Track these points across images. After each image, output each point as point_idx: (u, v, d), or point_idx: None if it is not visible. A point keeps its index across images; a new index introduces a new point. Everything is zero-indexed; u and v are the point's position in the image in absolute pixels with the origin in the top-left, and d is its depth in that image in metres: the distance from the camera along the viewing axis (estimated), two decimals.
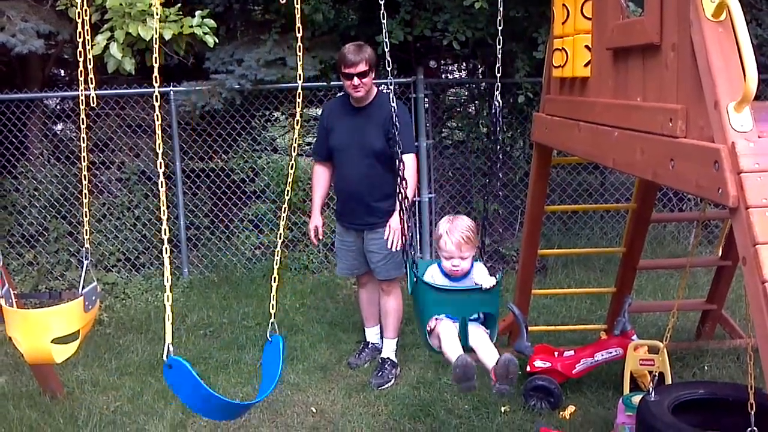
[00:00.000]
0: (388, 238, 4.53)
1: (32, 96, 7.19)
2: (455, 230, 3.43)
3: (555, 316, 5.84)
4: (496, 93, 3.74)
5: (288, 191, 3.36)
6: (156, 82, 2.76)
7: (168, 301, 2.69)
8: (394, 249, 4.30)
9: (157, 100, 2.81)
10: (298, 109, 3.39)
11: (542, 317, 5.78)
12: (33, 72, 7.66)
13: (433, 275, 3.49)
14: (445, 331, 3.30)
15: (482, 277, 3.42)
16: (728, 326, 5.15)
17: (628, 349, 4.22)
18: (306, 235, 5.00)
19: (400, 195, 3.57)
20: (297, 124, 3.36)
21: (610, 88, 3.10)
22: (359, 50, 4.59)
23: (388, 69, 3.56)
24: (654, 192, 4.75)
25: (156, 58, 2.83)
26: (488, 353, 3.26)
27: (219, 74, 6.63)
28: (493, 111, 3.82)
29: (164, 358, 2.82)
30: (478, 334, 3.33)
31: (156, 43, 2.74)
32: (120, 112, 7.54)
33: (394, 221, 4.40)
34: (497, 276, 3.38)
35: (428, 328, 3.35)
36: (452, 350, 3.22)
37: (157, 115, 2.75)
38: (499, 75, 3.73)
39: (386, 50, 3.50)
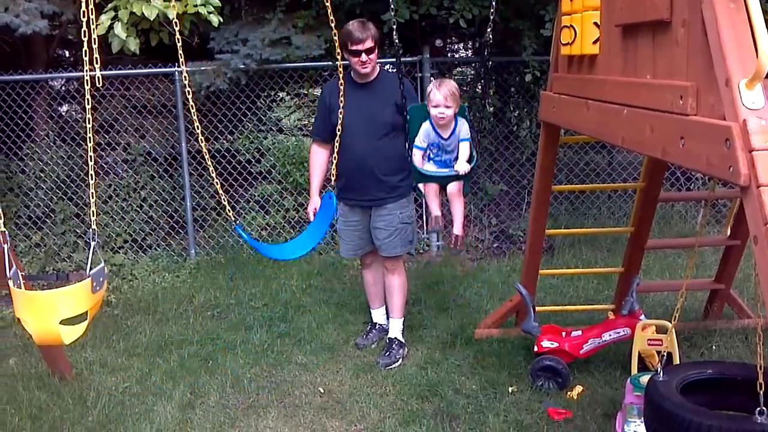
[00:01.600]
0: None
1: (37, 77, 7.17)
2: (443, 86, 4.13)
3: (562, 297, 5.83)
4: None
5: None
6: (181, 59, 2.73)
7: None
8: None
9: (184, 79, 2.78)
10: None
11: (549, 297, 5.77)
12: (37, 53, 7.64)
13: (427, 131, 4.22)
14: (431, 188, 4.31)
15: (461, 161, 4.20)
16: (736, 306, 5.14)
17: (636, 329, 4.21)
18: (307, 214, 4.98)
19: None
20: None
21: (620, 66, 3.06)
22: (364, 27, 4.59)
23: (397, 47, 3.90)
24: (662, 171, 4.71)
25: (178, 37, 2.80)
26: (456, 208, 4.31)
27: (224, 54, 6.59)
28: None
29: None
30: (453, 187, 4.29)
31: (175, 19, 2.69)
32: (125, 92, 7.52)
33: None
34: (473, 161, 4.24)
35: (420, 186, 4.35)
36: (433, 207, 4.29)
37: (187, 90, 2.71)
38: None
39: (394, 28, 3.67)
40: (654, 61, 2.71)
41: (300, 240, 4.77)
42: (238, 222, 4.13)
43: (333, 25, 4.49)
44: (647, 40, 2.76)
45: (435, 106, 4.15)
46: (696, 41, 2.34)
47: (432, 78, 7.01)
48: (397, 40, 4.16)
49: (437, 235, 7.11)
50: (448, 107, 4.14)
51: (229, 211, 4.44)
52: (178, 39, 2.80)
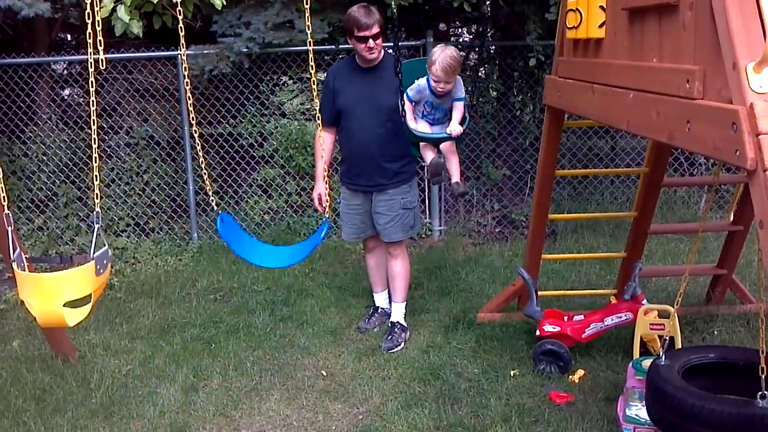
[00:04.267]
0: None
1: (39, 60, 7.15)
2: (445, 59, 4.14)
3: (565, 281, 5.84)
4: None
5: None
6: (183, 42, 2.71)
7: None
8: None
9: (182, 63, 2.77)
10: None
11: (552, 282, 5.78)
12: (39, 36, 7.61)
13: (421, 85, 4.31)
14: (424, 149, 4.44)
15: (454, 122, 4.33)
16: (739, 291, 5.14)
17: (638, 313, 4.21)
18: (313, 200, 4.98)
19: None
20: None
21: (626, 49, 3.05)
22: (370, 13, 4.55)
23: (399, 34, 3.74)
24: (666, 156, 4.70)
25: (180, 19, 2.79)
26: (453, 166, 4.41)
27: (227, 38, 6.57)
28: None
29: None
30: (447, 147, 4.41)
31: None
32: (128, 76, 7.50)
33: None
34: (465, 123, 4.36)
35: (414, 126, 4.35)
36: (428, 155, 4.39)
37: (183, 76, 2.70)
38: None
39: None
40: (660, 44, 2.70)
41: (280, 251, 4.57)
42: (223, 211, 4.05)
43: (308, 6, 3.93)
44: (654, 23, 2.74)
45: (436, 81, 4.21)
46: (703, 24, 2.33)
47: None
48: (398, 29, 4.34)
49: (437, 204, 7.13)
50: (448, 82, 4.23)
51: (212, 200, 4.42)
52: (181, 26, 2.78)
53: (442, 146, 4.39)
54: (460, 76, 4.34)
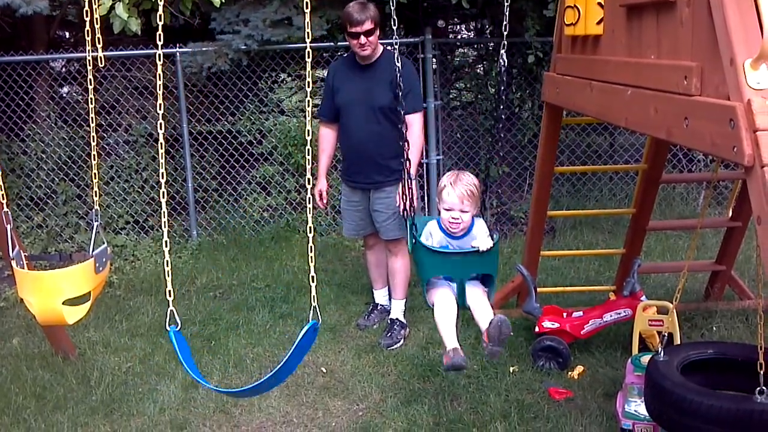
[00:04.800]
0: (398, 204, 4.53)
1: (38, 58, 7.14)
2: (459, 183, 3.43)
3: (563, 278, 5.85)
4: (503, 52, 3.67)
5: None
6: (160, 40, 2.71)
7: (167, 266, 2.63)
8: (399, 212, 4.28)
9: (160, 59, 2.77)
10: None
11: (551, 279, 5.78)
12: (38, 33, 7.60)
13: (431, 232, 3.53)
14: (441, 307, 3.42)
15: (481, 237, 3.44)
16: (737, 287, 5.15)
17: (637, 309, 4.22)
18: (314, 197, 4.98)
19: (404, 155, 3.59)
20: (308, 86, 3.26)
21: (624, 46, 3.05)
22: (364, 9, 4.56)
23: (395, 28, 3.54)
24: (665, 152, 4.71)
25: (159, 14, 2.78)
26: (483, 314, 3.34)
27: (225, 35, 6.56)
28: (500, 70, 3.70)
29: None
30: (476, 294, 3.43)
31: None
32: (126, 74, 7.49)
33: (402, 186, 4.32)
34: (494, 237, 3.43)
35: (430, 300, 3.51)
36: (447, 337, 3.36)
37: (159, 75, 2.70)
38: (506, 33, 3.71)
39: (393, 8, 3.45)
40: (658, 41, 2.70)
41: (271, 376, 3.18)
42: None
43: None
44: (652, 20, 2.75)
45: (448, 209, 3.44)
46: (701, 21, 2.33)
47: (434, 59, 7.00)
48: (394, 23, 3.50)
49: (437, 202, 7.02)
50: (464, 212, 3.44)
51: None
52: (160, 17, 2.74)
53: (469, 293, 3.43)
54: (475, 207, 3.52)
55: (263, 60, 7.07)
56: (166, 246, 2.65)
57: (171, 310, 2.60)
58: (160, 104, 2.70)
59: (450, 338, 3.31)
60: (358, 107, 4.72)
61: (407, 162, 3.62)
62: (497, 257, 3.48)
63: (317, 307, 2.85)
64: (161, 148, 2.70)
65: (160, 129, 2.68)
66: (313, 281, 2.75)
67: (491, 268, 3.46)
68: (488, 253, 3.33)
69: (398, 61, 3.68)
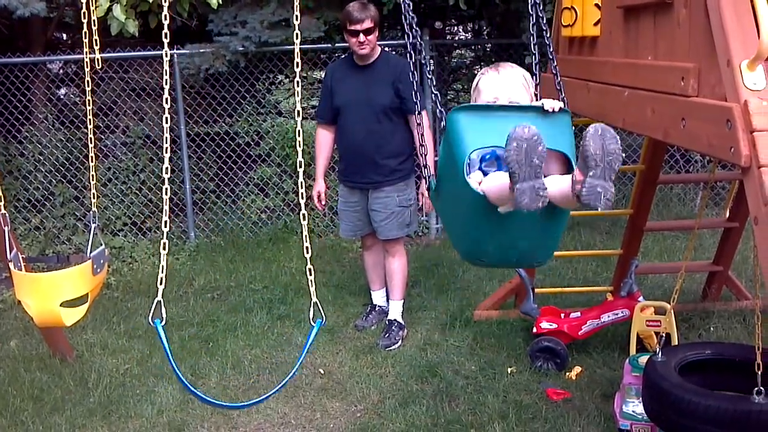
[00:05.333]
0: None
1: (35, 59, 7.13)
2: (507, 68, 2.52)
3: (561, 279, 5.85)
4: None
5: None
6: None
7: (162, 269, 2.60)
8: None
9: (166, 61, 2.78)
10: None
11: (548, 279, 5.79)
12: (35, 35, 7.59)
13: (468, 164, 2.26)
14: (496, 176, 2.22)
15: (546, 101, 2.32)
16: (735, 288, 5.16)
17: (634, 310, 4.23)
18: (312, 198, 5.00)
19: (421, 157, 2.79)
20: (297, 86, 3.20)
21: (621, 47, 3.06)
22: (364, 8, 4.59)
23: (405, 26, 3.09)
24: (662, 153, 4.72)
25: (165, 15, 2.78)
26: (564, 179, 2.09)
27: (223, 36, 6.56)
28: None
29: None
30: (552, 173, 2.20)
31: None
32: (123, 75, 7.48)
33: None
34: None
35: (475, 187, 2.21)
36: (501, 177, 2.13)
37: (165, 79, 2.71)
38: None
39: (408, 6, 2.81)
40: (655, 42, 2.71)
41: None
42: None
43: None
44: (649, 21, 2.76)
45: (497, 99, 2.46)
46: (698, 22, 2.34)
47: (432, 60, 7.01)
48: (407, 21, 2.75)
49: None
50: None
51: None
52: (166, 16, 2.76)
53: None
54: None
55: (261, 62, 7.07)
56: (165, 237, 2.61)
57: (158, 301, 2.47)
58: (167, 99, 2.68)
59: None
60: (357, 107, 4.73)
61: (423, 158, 2.72)
62: (572, 134, 2.32)
63: (317, 303, 2.78)
64: (166, 148, 2.69)
65: (166, 123, 2.65)
66: (310, 273, 2.71)
67: (566, 144, 2.24)
68: (558, 121, 2.26)
69: (417, 56, 2.76)
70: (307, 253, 2.70)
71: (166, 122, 2.63)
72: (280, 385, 2.89)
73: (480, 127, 2.18)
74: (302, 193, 2.70)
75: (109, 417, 4.09)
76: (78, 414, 4.10)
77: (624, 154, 7.37)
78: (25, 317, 5.05)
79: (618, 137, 1.96)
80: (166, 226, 2.64)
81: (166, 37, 2.77)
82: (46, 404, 4.22)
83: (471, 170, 2.27)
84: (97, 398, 4.27)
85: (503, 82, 2.43)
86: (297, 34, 2.77)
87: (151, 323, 2.55)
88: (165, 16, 2.67)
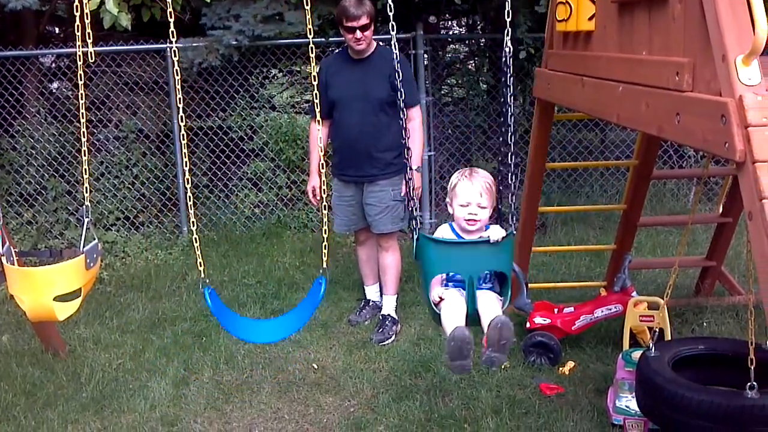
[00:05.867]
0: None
1: (27, 53, 7.10)
2: (476, 176, 3.11)
3: (554, 274, 5.86)
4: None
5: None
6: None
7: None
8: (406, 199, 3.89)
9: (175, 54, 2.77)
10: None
11: (542, 274, 5.79)
12: (27, 29, 7.54)
13: (442, 235, 3.14)
14: (451, 300, 3.02)
15: (494, 230, 3.05)
16: (727, 283, 5.17)
17: (628, 305, 4.24)
18: (305, 194, 4.99)
19: (406, 150, 3.23)
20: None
21: (615, 42, 3.05)
22: (360, 4, 4.57)
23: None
24: (656, 148, 4.72)
25: (170, 11, 2.77)
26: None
27: (216, 30, 6.53)
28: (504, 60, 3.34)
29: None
30: (488, 300, 3.02)
31: None
32: (116, 69, 7.44)
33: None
34: (509, 230, 3.00)
35: (434, 300, 3.05)
36: (451, 320, 2.94)
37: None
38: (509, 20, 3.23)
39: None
40: (650, 37, 2.71)
41: (279, 322, 4.07)
42: (207, 283, 3.59)
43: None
44: (643, 16, 2.75)
45: (464, 205, 3.07)
46: (692, 17, 2.34)
47: (426, 55, 6.99)
48: (392, 19, 3.30)
49: (428, 196, 7.05)
50: (482, 207, 3.07)
51: (200, 265, 3.83)
52: (170, 14, 2.80)
53: (481, 298, 3.01)
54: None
55: (254, 56, 7.04)
56: (193, 225, 2.62)
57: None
58: (179, 98, 2.72)
59: (454, 323, 2.91)
60: (353, 101, 4.72)
61: (408, 152, 3.24)
62: (512, 253, 3.05)
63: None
64: (182, 141, 2.74)
65: (181, 121, 2.77)
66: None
67: (505, 265, 3.03)
68: (502, 246, 2.93)
69: (395, 49, 3.38)
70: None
71: (181, 119, 2.63)
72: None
73: (442, 255, 3.02)
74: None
75: (101, 412, 4.08)
76: (71, 409, 4.09)
77: (618, 149, 7.40)
78: (17, 312, 5.04)
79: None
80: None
81: (173, 36, 2.78)
82: (39, 399, 4.21)
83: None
84: (90, 393, 4.26)
85: (474, 190, 3.08)
86: (310, 29, 2.82)
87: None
88: (170, 13, 2.67)
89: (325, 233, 3.77)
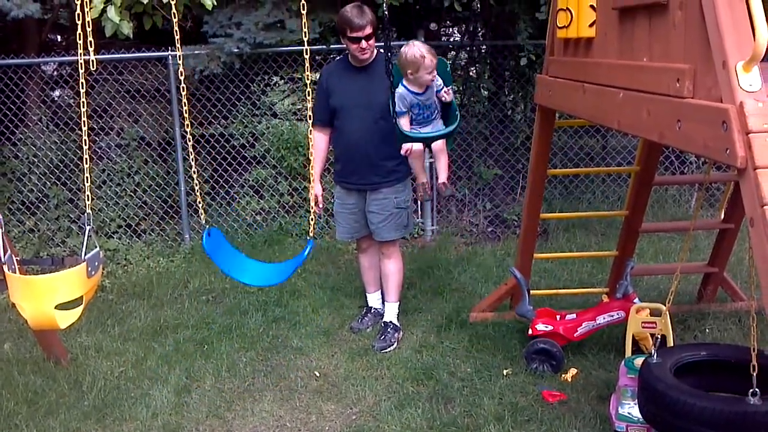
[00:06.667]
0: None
1: (29, 61, 7.11)
2: (427, 50, 4.08)
3: (557, 280, 5.85)
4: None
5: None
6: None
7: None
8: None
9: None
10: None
11: (544, 281, 5.79)
12: (29, 37, 7.57)
13: (404, 97, 4.17)
14: (416, 161, 4.35)
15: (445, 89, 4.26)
16: (730, 289, 5.16)
17: (630, 312, 4.23)
18: (307, 201, 4.99)
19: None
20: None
21: (616, 49, 3.06)
22: (363, 13, 4.55)
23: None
24: (657, 154, 4.72)
25: (176, 21, 2.79)
26: (441, 164, 4.31)
27: (217, 38, 6.55)
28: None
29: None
30: (437, 146, 4.27)
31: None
32: (118, 77, 7.47)
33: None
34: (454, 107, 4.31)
35: (404, 151, 4.22)
36: (420, 174, 4.39)
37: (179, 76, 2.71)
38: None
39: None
40: (651, 43, 2.71)
41: (266, 268, 4.43)
42: (215, 211, 3.94)
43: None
44: (644, 22, 2.76)
45: (430, 73, 4.12)
46: (693, 24, 2.34)
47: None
48: (387, 21, 4.09)
49: (430, 204, 7.14)
50: (429, 72, 4.14)
51: (201, 207, 4.43)
52: (175, 23, 2.82)
53: (434, 146, 4.27)
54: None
55: (256, 63, 7.05)
56: (205, 215, 2.62)
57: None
58: (184, 103, 2.73)
59: (422, 174, 4.41)
60: (356, 108, 4.71)
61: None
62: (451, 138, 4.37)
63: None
64: (190, 146, 2.75)
65: (188, 128, 2.80)
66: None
67: (449, 142, 4.37)
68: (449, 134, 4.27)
69: (389, 66, 4.10)
70: None
71: (188, 125, 2.63)
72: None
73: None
74: None
75: (103, 420, 4.07)
76: (72, 417, 4.09)
77: (619, 156, 7.40)
78: (19, 320, 5.04)
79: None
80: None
81: (179, 43, 2.79)
82: (41, 407, 4.20)
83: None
84: (92, 401, 4.26)
85: (432, 64, 4.14)
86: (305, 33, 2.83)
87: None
88: (175, 22, 2.68)
89: (313, 214, 4.38)
